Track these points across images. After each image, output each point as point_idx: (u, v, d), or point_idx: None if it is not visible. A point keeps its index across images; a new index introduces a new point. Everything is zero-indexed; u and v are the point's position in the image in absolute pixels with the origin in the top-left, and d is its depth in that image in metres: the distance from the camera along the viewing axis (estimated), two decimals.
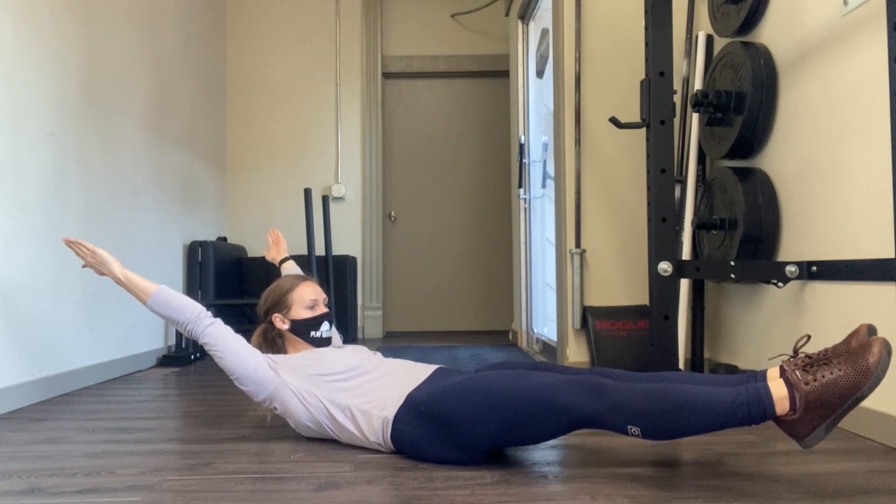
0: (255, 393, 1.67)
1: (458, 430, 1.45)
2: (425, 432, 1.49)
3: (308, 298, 1.81)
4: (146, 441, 1.77)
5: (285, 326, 1.80)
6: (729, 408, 1.25)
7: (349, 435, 1.63)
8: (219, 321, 1.69)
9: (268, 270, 4.38)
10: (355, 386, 1.63)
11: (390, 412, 1.55)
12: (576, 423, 1.36)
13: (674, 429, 1.29)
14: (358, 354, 1.75)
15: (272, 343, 1.84)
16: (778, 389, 1.25)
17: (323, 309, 1.84)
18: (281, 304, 1.81)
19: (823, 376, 1.23)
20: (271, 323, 1.82)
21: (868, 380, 1.20)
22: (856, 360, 1.22)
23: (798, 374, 1.25)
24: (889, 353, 1.22)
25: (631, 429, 1.31)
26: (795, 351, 1.44)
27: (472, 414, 1.42)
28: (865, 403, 1.77)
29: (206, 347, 1.66)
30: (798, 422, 1.24)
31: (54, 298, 2.56)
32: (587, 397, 1.34)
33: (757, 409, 1.24)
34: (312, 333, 1.80)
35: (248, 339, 1.80)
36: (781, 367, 1.44)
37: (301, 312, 1.80)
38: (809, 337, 1.40)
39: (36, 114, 2.46)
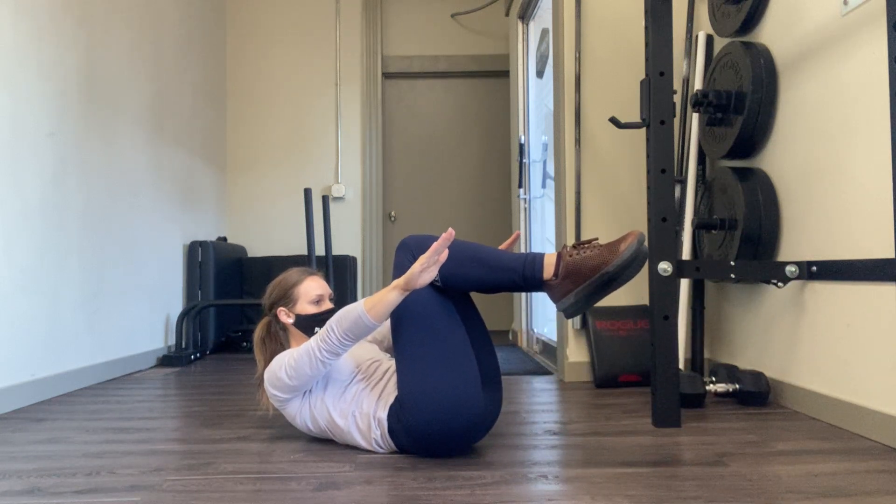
0: (292, 389, 1.62)
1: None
2: (416, 391, 1.51)
3: (314, 293, 1.78)
4: (146, 441, 1.77)
5: (290, 321, 1.78)
6: (513, 266, 1.54)
7: (347, 438, 1.63)
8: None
9: (268, 270, 4.39)
10: (355, 392, 1.62)
11: (382, 412, 1.56)
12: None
13: (466, 277, 1.56)
14: (364, 354, 1.75)
15: (275, 337, 1.81)
16: (549, 259, 1.55)
17: (328, 305, 1.81)
18: (286, 298, 1.78)
19: (584, 252, 1.52)
20: (275, 316, 1.80)
21: (615, 257, 1.47)
22: (612, 245, 1.51)
23: (568, 249, 1.54)
24: (641, 242, 1.48)
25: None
26: None
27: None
28: (865, 403, 1.77)
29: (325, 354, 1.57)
30: (557, 286, 1.53)
31: (54, 298, 2.56)
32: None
33: (530, 271, 1.53)
34: (316, 329, 1.78)
35: (249, 338, 1.80)
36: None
37: (306, 307, 1.78)
38: None
39: (36, 114, 2.46)
